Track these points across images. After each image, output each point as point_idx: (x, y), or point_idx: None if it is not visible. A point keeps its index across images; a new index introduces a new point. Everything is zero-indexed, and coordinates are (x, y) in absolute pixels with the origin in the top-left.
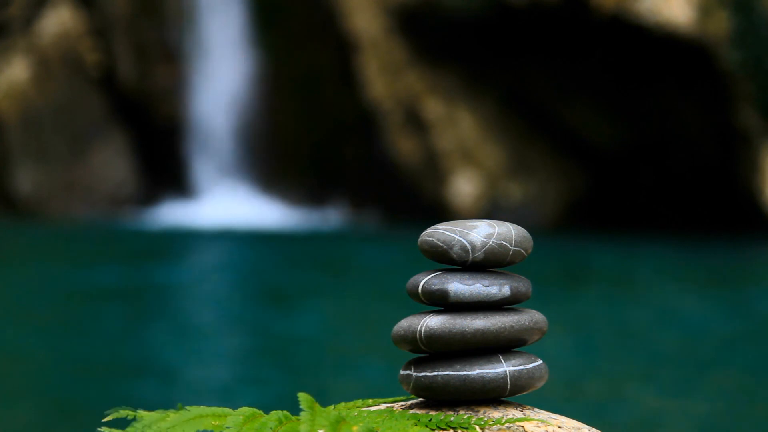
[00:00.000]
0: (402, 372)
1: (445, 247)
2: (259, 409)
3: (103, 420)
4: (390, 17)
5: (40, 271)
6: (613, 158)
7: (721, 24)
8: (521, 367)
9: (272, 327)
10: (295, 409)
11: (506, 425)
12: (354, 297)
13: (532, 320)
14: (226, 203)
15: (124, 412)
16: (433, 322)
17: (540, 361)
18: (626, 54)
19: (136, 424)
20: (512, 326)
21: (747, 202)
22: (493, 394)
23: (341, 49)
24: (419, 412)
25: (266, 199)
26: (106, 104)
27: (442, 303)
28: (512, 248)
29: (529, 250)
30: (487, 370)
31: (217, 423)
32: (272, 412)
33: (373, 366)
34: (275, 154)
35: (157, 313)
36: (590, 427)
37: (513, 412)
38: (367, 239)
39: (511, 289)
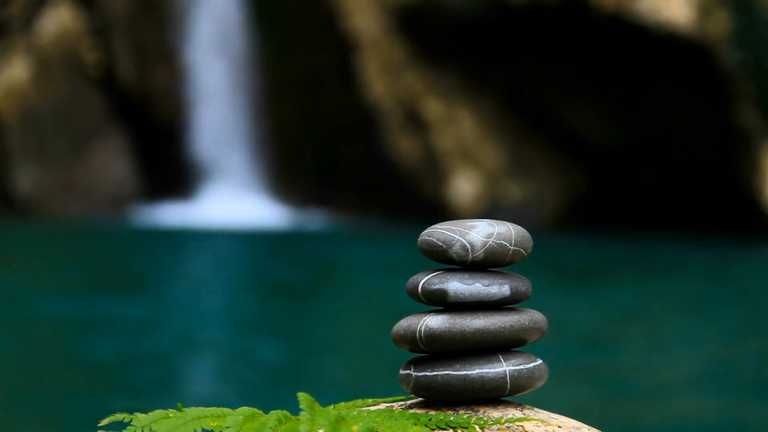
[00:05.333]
0: (402, 372)
1: (444, 246)
2: (259, 409)
3: (99, 425)
4: (390, 17)
5: (38, 270)
6: (613, 158)
7: (721, 24)
8: (521, 366)
9: (270, 326)
10: (294, 409)
11: (506, 425)
12: (353, 297)
13: (531, 320)
14: (225, 203)
15: (120, 416)
16: (432, 321)
17: (540, 361)
18: (626, 54)
19: (136, 423)
20: (512, 326)
21: (747, 202)
22: (493, 394)
23: (341, 49)
24: (419, 411)
25: (266, 199)
26: (106, 104)
27: (442, 303)
28: (512, 248)
29: (529, 250)
30: (487, 370)
31: (216, 423)
32: (272, 411)
33: (373, 366)
34: (275, 154)
35: (155, 313)
36: (590, 427)
37: (513, 412)
38: (367, 239)
39: (511, 289)
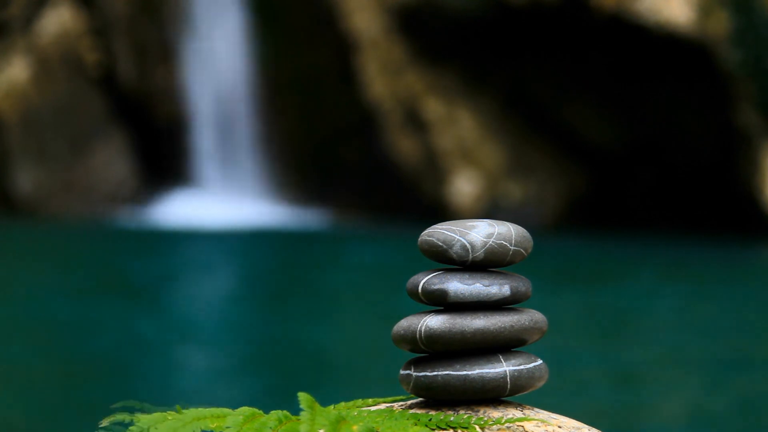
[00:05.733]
0: (402, 372)
1: (445, 246)
2: (259, 409)
3: (100, 425)
4: (390, 17)
5: (38, 270)
6: (613, 158)
7: (721, 24)
8: (521, 366)
9: (271, 326)
10: (295, 409)
11: (506, 425)
12: (353, 296)
13: (532, 320)
14: (225, 203)
15: (121, 416)
16: (432, 321)
17: (540, 361)
18: (626, 54)
19: (136, 424)
20: (512, 326)
21: (747, 202)
22: (493, 394)
23: (341, 49)
24: (419, 412)
25: (266, 199)
26: (106, 104)
27: (442, 303)
28: (512, 248)
29: (529, 250)
30: (487, 370)
31: (216, 424)
32: (272, 411)
33: (373, 366)
34: (275, 154)
35: (155, 312)
36: (590, 427)
37: (513, 412)
38: (367, 239)
39: (511, 289)
